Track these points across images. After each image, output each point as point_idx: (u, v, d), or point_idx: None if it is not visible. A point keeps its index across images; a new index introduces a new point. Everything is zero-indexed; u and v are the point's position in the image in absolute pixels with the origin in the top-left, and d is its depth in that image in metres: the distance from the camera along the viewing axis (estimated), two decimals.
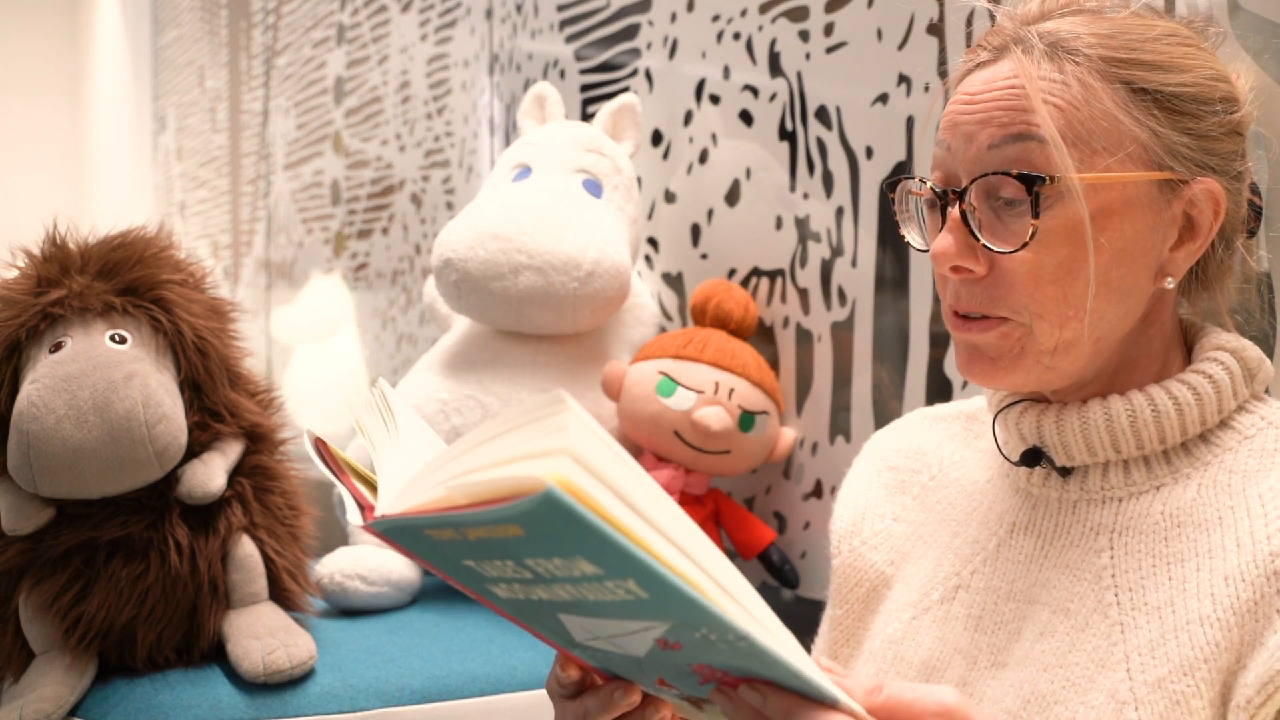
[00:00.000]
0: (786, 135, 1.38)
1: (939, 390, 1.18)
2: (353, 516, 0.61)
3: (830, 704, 0.55)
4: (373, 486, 0.64)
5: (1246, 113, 0.75)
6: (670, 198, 1.59)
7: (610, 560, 0.48)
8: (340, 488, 0.65)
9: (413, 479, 0.55)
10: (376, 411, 0.68)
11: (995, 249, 0.73)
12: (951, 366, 1.17)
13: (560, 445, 0.45)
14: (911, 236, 0.81)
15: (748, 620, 0.51)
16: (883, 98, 1.24)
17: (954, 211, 0.74)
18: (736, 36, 1.45)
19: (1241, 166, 0.75)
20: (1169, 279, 0.74)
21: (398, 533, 0.56)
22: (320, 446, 0.69)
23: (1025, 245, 0.71)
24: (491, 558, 0.52)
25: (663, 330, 1.60)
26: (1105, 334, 0.74)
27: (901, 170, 1.21)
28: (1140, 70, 0.72)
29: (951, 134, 0.75)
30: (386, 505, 0.57)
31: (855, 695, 0.57)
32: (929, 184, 0.76)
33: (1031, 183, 0.70)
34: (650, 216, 1.63)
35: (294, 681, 1.12)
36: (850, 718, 0.55)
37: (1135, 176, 0.71)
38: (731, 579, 0.51)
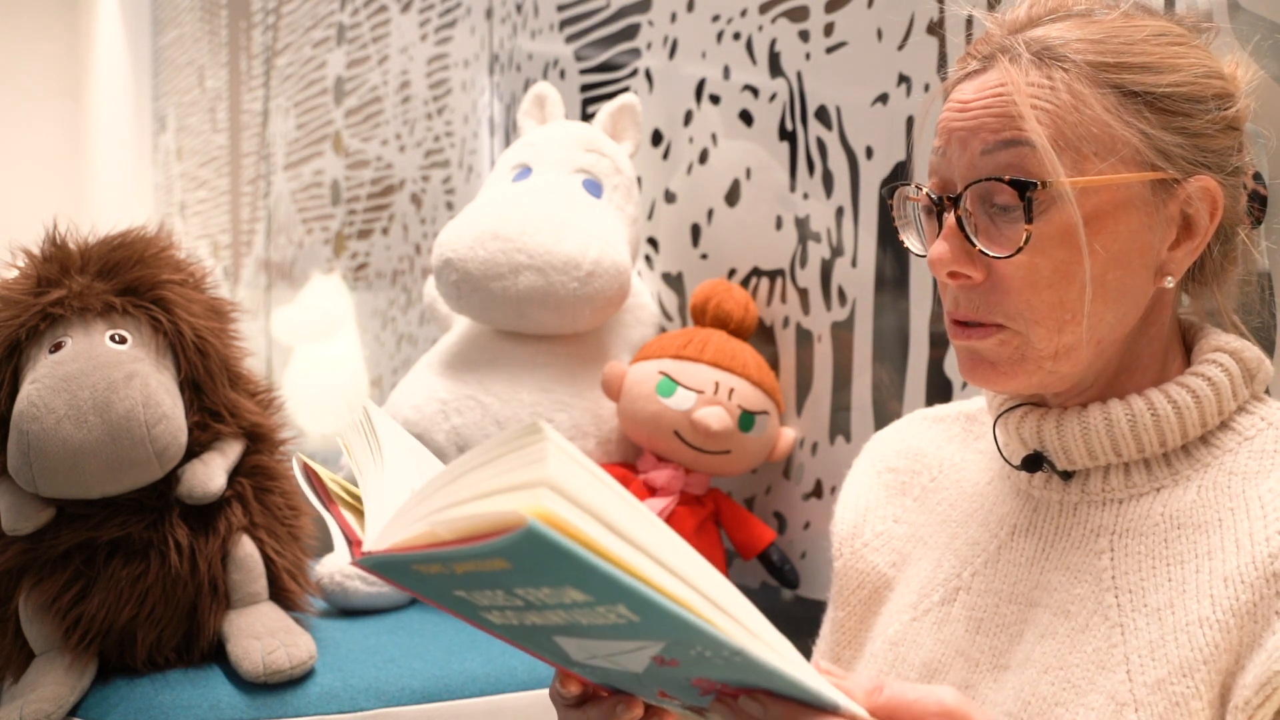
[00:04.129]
0: (786, 135, 1.38)
1: (939, 390, 1.18)
2: (340, 551, 0.61)
3: (830, 709, 0.55)
4: (362, 514, 0.64)
5: (1242, 107, 0.75)
6: (670, 198, 1.59)
7: (598, 587, 0.48)
8: (329, 520, 0.64)
9: (398, 512, 0.55)
10: (361, 434, 0.68)
11: (991, 254, 0.73)
12: (951, 367, 1.17)
13: (539, 477, 0.45)
14: (910, 242, 0.81)
15: (742, 634, 0.51)
16: (883, 98, 1.24)
17: (950, 218, 0.74)
18: (736, 36, 1.45)
19: (1238, 161, 0.75)
20: (1169, 278, 0.74)
21: (386, 568, 0.56)
22: (310, 474, 0.68)
23: (1020, 250, 0.72)
24: (482, 588, 0.52)
25: (663, 330, 1.60)
26: (1105, 336, 0.74)
27: (901, 170, 1.21)
28: (1130, 74, 0.72)
29: (946, 140, 0.75)
30: (372, 541, 0.57)
31: (856, 696, 0.57)
32: (925, 190, 0.77)
33: (1024, 188, 0.71)
34: (650, 216, 1.63)
35: (294, 681, 1.12)
36: None
37: (1126, 179, 0.71)
38: (724, 593, 0.51)
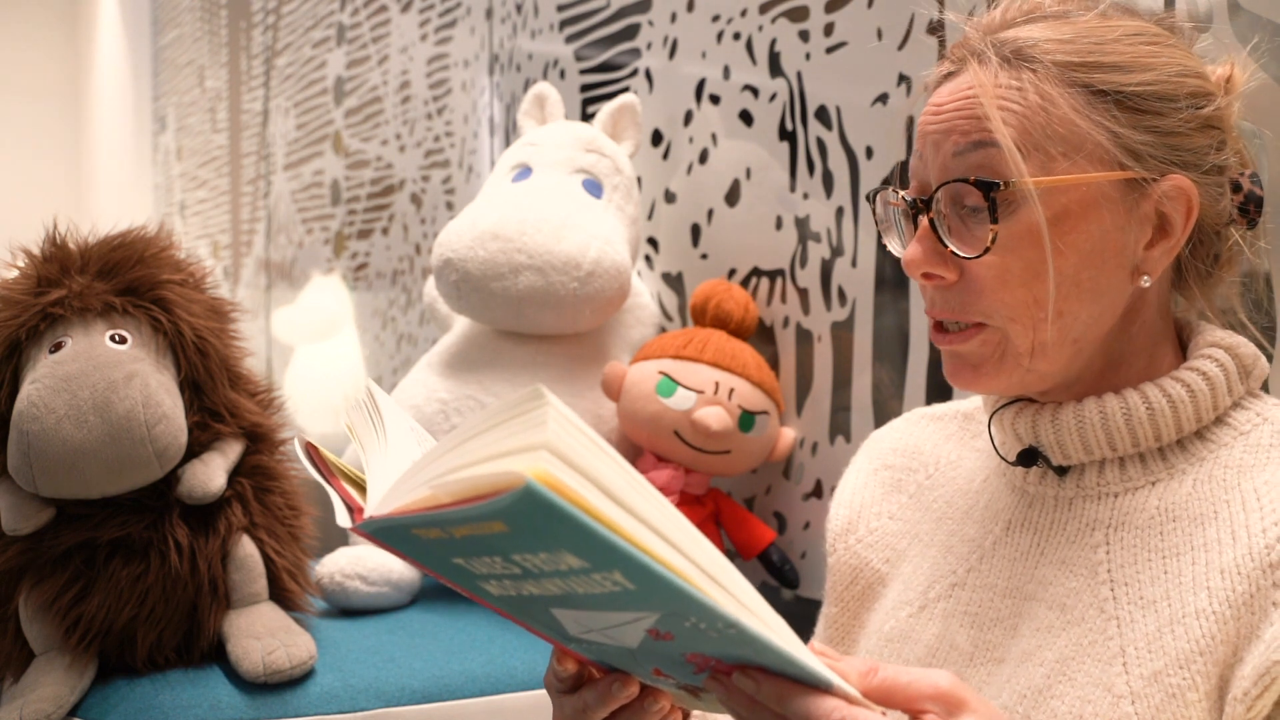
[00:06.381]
0: (786, 135, 1.38)
1: (939, 390, 1.18)
2: (341, 518, 0.62)
3: (824, 688, 0.55)
4: (363, 489, 0.64)
5: (1222, 105, 0.75)
6: (670, 198, 1.59)
7: (594, 553, 0.48)
8: (329, 490, 0.65)
9: (399, 479, 0.55)
10: (364, 412, 0.69)
11: (961, 254, 0.74)
12: None
13: (539, 440, 0.46)
14: (892, 245, 0.82)
15: (736, 607, 0.52)
16: (883, 98, 1.24)
17: (923, 219, 0.75)
18: (736, 36, 1.45)
19: (1217, 160, 0.75)
20: (1145, 277, 0.74)
21: (385, 533, 0.56)
22: (310, 450, 0.69)
23: (988, 250, 0.72)
24: (480, 554, 0.52)
25: (663, 330, 1.60)
26: (1082, 334, 0.74)
27: (901, 171, 1.21)
28: (1099, 73, 0.72)
29: (922, 143, 0.77)
30: (374, 507, 0.58)
31: (850, 677, 0.57)
32: (902, 194, 0.78)
33: (988, 189, 0.71)
34: (650, 216, 1.63)
35: (294, 681, 1.12)
36: (844, 700, 0.55)
37: (1091, 178, 0.72)
38: (719, 567, 0.52)
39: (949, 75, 0.77)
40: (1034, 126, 0.71)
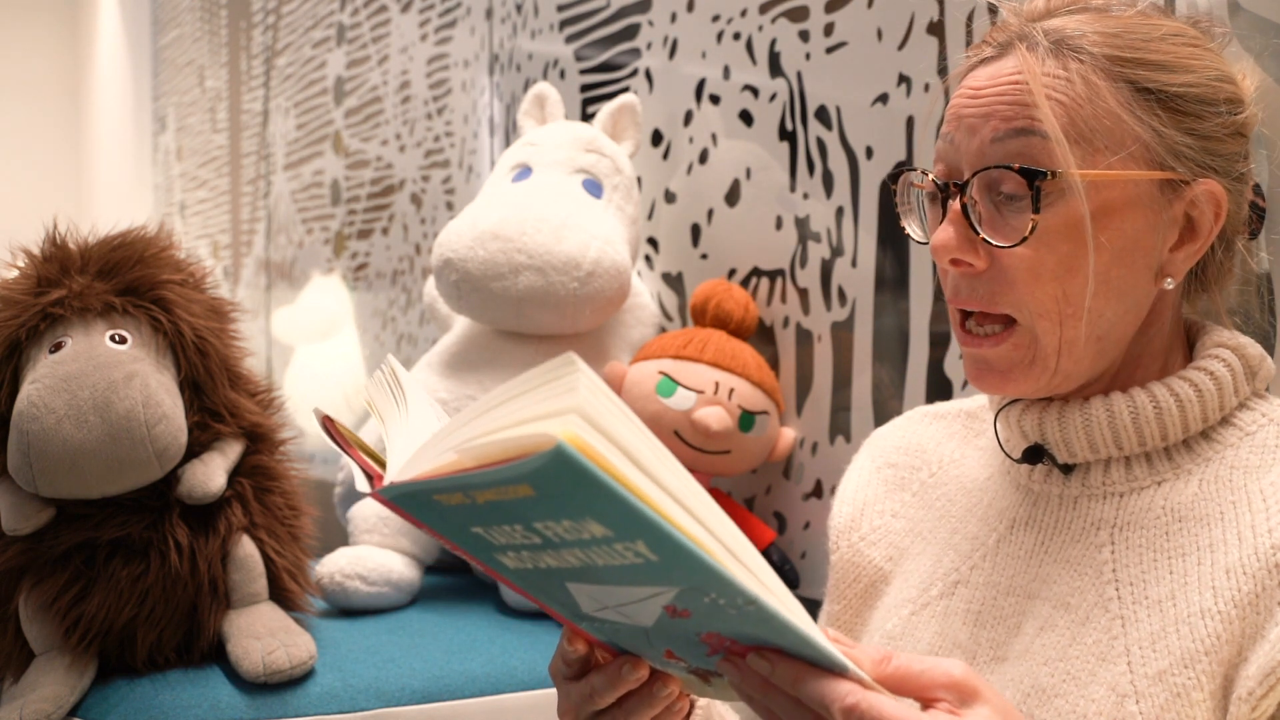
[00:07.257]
0: (786, 135, 1.38)
1: (939, 390, 1.18)
2: (361, 485, 0.61)
3: (839, 671, 0.55)
4: (381, 462, 0.64)
5: (1250, 114, 0.75)
6: (670, 198, 1.59)
7: (620, 520, 0.48)
8: (348, 460, 0.65)
9: (422, 447, 0.55)
10: (386, 388, 0.69)
11: (995, 243, 0.73)
12: (951, 366, 1.17)
13: (571, 405, 0.45)
14: (912, 229, 0.81)
15: (756, 585, 0.51)
16: (883, 98, 1.24)
17: (955, 204, 0.74)
18: (736, 36, 1.45)
19: (1244, 168, 0.75)
20: (1169, 279, 0.74)
21: (406, 500, 0.55)
22: (327, 423, 0.69)
23: (1025, 240, 0.72)
24: (500, 523, 0.52)
25: (663, 330, 1.60)
26: (1105, 333, 0.74)
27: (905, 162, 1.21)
28: (1145, 70, 0.72)
29: (955, 126, 0.75)
30: (395, 473, 0.57)
31: (863, 664, 0.57)
32: (931, 176, 0.77)
33: (1033, 177, 0.71)
34: (650, 216, 1.63)
35: (294, 681, 1.12)
36: (859, 685, 0.55)
37: (1137, 175, 0.71)
38: (740, 544, 0.51)
39: (985, 60, 0.76)
40: (1080, 118, 0.71)
